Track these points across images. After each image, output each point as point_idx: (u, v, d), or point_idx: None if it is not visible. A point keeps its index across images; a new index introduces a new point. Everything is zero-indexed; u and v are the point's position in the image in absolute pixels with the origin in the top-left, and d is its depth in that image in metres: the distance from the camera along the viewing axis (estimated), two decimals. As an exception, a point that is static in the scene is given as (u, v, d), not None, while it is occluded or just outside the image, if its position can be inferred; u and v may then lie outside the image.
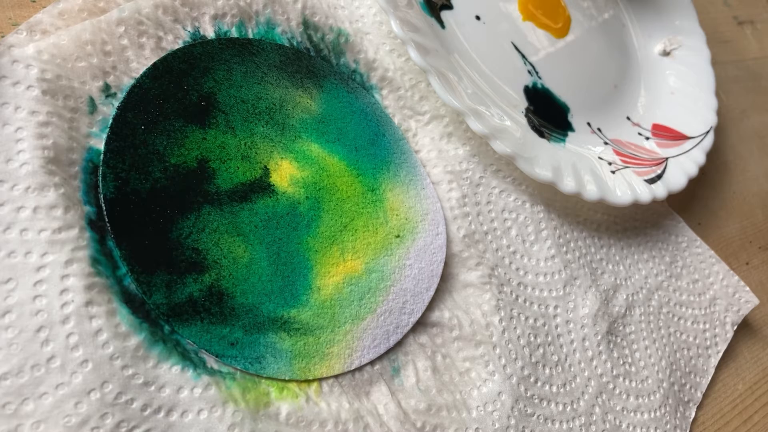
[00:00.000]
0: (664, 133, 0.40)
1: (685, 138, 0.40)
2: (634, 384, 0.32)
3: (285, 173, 0.27)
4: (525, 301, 0.30)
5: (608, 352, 0.32)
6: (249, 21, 0.29)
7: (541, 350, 0.30)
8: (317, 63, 0.30)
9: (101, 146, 0.23)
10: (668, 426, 0.32)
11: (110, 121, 0.24)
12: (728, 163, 0.46)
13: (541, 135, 0.34)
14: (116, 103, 0.24)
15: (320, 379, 0.24)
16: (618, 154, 0.37)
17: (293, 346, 0.24)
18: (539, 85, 0.36)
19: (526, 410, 0.28)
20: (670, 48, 0.43)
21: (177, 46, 0.26)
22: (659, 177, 0.36)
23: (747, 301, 0.38)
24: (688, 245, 0.38)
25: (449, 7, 0.35)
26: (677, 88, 0.42)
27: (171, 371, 0.21)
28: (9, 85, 0.22)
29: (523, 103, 0.35)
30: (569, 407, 0.29)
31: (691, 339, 0.35)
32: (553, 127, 0.36)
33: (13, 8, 0.25)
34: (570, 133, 0.36)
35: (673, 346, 0.34)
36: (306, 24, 0.30)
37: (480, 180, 0.32)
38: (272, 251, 0.25)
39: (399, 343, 0.27)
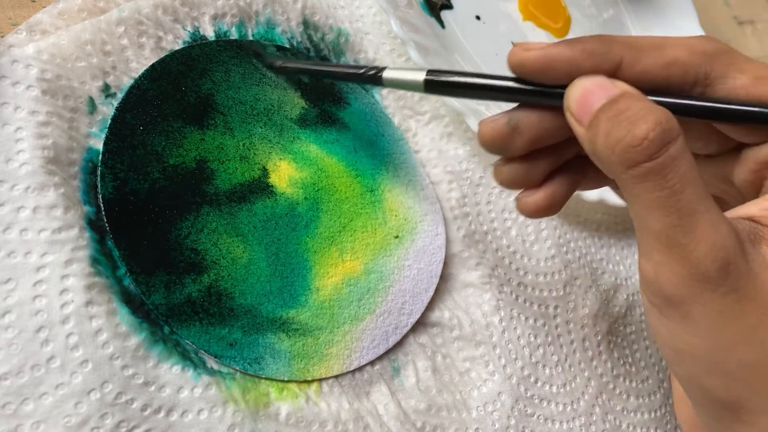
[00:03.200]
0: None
1: (685, 138, 0.39)
2: (634, 384, 0.32)
3: (284, 174, 0.27)
4: (525, 301, 0.30)
5: (608, 352, 0.32)
6: (249, 21, 0.29)
7: (541, 350, 0.30)
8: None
9: (101, 146, 0.24)
10: (668, 426, 0.32)
11: (109, 121, 0.24)
12: (729, 162, 0.46)
13: (541, 135, 0.34)
14: (116, 104, 0.24)
15: (320, 380, 0.24)
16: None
17: (292, 346, 0.24)
18: (539, 85, 0.36)
19: (526, 410, 0.28)
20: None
21: (177, 46, 0.26)
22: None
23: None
24: (689, 245, 0.38)
25: (449, 7, 0.35)
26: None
27: (171, 371, 0.21)
28: (9, 85, 0.22)
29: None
30: (569, 407, 0.29)
31: (691, 339, 0.35)
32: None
33: (13, 8, 0.25)
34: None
35: (673, 346, 0.34)
36: (306, 24, 0.30)
37: (480, 180, 0.32)
38: (271, 252, 0.25)
39: (399, 343, 0.27)
